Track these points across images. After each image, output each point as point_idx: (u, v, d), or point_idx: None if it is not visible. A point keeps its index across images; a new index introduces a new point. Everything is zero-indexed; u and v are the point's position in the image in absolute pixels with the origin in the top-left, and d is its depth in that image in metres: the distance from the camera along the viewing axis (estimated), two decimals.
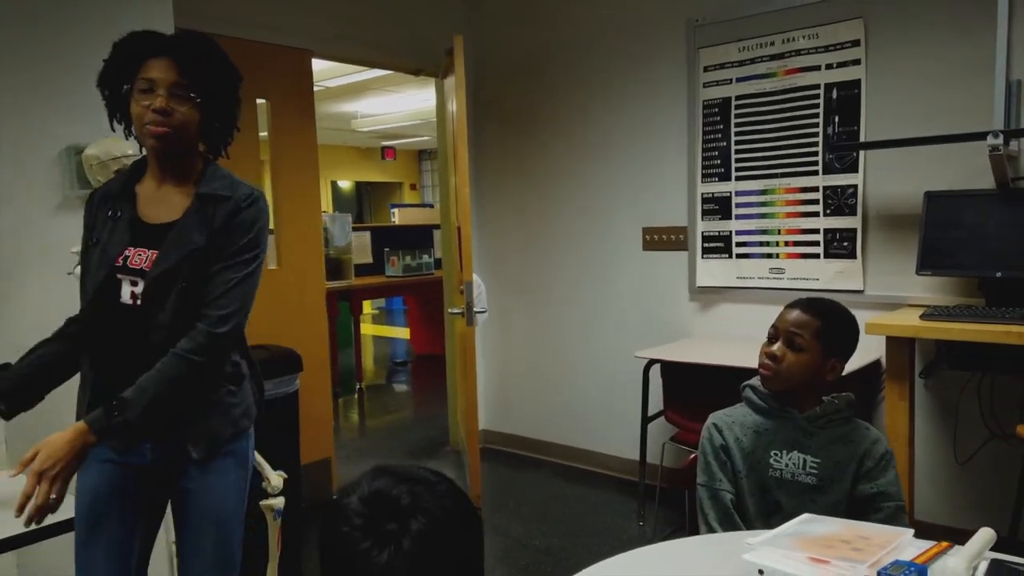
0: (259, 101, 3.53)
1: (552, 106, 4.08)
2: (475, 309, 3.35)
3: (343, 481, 3.77)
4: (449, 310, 4.13)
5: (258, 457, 2.22)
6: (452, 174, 3.92)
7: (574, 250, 4.07)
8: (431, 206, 10.81)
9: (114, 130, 1.61)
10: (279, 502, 2.21)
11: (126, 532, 1.60)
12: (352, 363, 6.56)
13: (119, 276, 1.53)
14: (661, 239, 3.70)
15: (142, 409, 1.44)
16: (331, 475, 3.80)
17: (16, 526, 1.58)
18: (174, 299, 1.50)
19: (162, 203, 1.58)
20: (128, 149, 2.14)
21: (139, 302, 1.52)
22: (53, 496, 1.38)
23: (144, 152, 1.61)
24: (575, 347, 4.11)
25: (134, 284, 1.52)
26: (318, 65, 3.85)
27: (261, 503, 2.21)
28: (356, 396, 6.31)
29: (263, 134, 3.56)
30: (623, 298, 3.87)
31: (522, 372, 4.39)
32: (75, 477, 1.54)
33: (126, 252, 1.54)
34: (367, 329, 9.22)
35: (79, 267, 1.67)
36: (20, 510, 1.38)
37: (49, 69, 2.28)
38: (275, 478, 2.21)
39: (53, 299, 1.68)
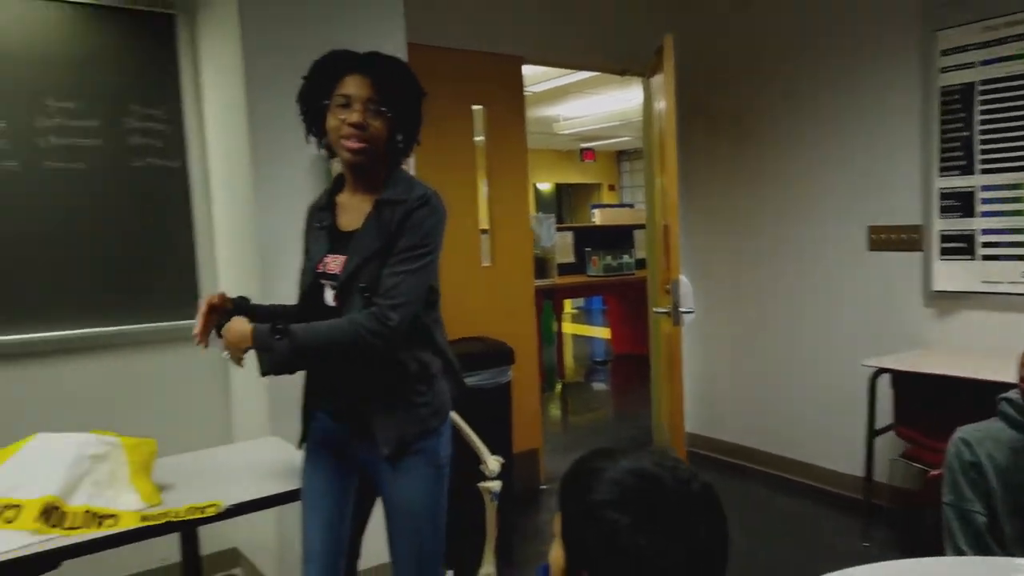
0: (475, 107, 3.71)
1: (765, 100, 3.92)
2: (681, 309, 3.29)
3: (551, 473, 3.88)
4: (654, 309, 4.10)
5: (477, 441, 2.36)
6: (658, 174, 3.89)
7: (789, 249, 3.87)
8: (631, 206, 10.74)
9: (308, 142, 1.75)
10: (496, 485, 2.32)
11: (336, 513, 1.78)
12: (554, 360, 6.69)
13: (321, 281, 1.69)
14: (890, 239, 3.42)
15: (299, 345, 1.54)
16: (539, 465, 3.91)
17: (274, 488, 1.85)
18: (358, 300, 1.61)
19: (354, 211, 1.70)
20: None
21: (337, 304, 1.66)
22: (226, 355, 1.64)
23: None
24: (788, 352, 3.92)
25: (333, 287, 1.67)
26: (524, 71, 3.96)
27: (479, 484, 2.34)
28: (557, 392, 6.45)
29: (478, 139, 3.75)
30: (844, 301, 3.63)
31: (730, 375, 4.26)
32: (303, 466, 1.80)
33: (325, 259, 1.69)
34: (567, 328, 9.38)
35: None
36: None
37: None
38: (492, 462, 2.33)
39: None
